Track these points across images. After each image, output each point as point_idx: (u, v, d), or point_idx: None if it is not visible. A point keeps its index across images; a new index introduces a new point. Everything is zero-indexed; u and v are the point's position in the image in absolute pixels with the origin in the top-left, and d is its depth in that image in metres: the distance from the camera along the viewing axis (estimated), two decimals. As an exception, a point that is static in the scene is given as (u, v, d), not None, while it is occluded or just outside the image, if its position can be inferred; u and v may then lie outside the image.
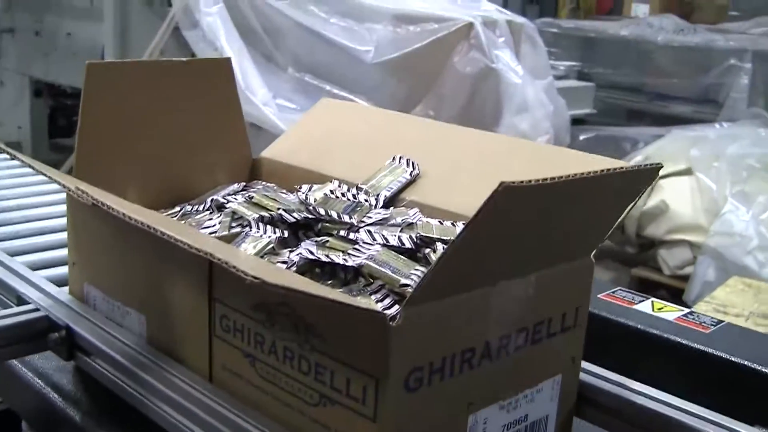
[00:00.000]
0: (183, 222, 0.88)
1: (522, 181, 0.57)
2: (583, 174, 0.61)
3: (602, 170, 0.64)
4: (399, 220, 0.83)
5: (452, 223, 0.83)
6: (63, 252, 1.14)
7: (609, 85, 4.38)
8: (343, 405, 0.65)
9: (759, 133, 3.33)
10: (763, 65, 4.05)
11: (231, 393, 0.74)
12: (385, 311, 0.65)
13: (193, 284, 0.75)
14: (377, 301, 0.70)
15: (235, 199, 0.89)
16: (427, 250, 0.78)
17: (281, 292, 0.53)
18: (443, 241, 0.78)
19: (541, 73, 3.26)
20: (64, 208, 1.33)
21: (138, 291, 0.83)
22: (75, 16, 3.29)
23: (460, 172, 0.92)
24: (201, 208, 0.92)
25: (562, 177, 0.59)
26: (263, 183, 0.99)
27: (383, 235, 0.78)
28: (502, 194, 0.56)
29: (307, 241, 0.79)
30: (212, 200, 0.91)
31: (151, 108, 0.95)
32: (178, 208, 0.94)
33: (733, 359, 0.99)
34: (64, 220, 1.27)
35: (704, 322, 1.09)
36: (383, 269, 0.72)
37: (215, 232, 0.81)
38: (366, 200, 0.87)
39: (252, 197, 0.87)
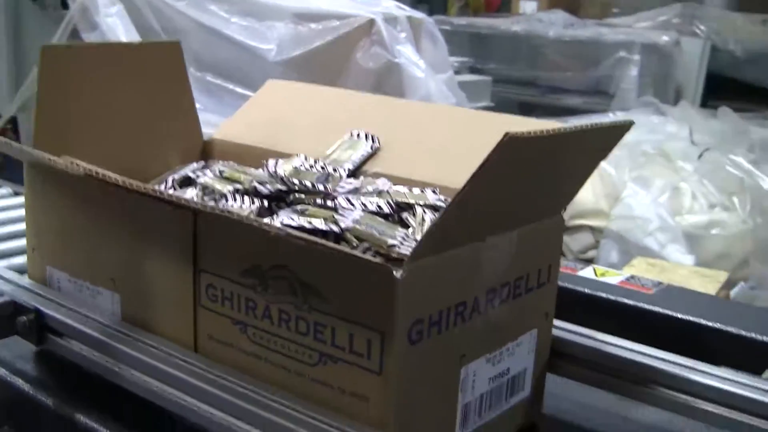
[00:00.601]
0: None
1: (524, 133, 0.58)
2: (575, 128, 0.64)
3: (587, 125, 0.66)
4: (370, 189, 0.84)
5: (421, 190, 0.85)
6: (16, 243, 1.12)
7: (502, 79, 4.46)
8: (345, 361, 0.65)
9: (652, 121, 3.45)
10: (650, 57, 4.20)
11: (219, 361, 0.74)
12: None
13: (175, 256, 0.75)
14: (366, 262, 0.72)
15: (204, 173, 0.89)
16: (404, 214, 0.79)
17: (304, 245, 0.54)
18: (420, 205, 0.79)
19: (442, 68, 3.31)
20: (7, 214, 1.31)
21: (110, 269, 0.82)
22: (-37, 23, 3.18)
23: (419, 143, 0.94)
24: (163, 187, 0.91)
25: (557, 130, 0.62)
26: (221, 162, 0.99)
27: (362, 202, 0.79)
28: (507, 145, 0.58)
29: (285, 210, 0.80)
30: (174, 179, 0.91)
31: (104, 91, 0.94)
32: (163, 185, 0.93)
33: (679, 316, 1.04)
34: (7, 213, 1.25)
35: (645, 285, 1.13)
36: (370, 231, 0.73)
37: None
38: (335, 170, 0.88)
39: (222, 171, 0.87)
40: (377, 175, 0.91)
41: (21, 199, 1.31)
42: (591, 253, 3.19)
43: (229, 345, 0.73)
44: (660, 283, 1.14)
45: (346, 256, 0.58)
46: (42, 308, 0.83)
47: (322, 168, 0.89)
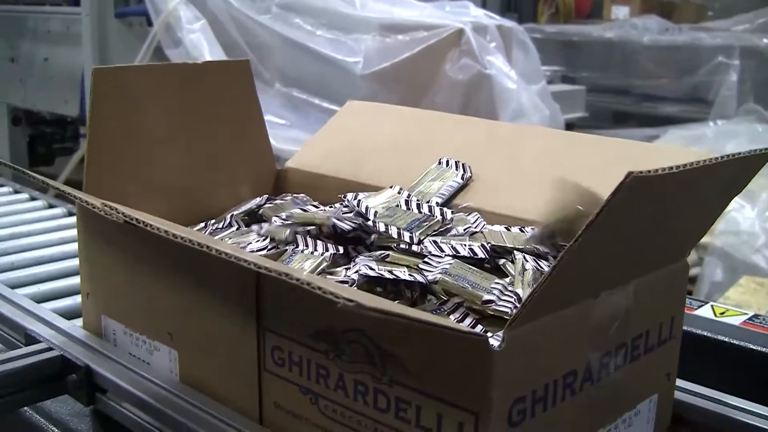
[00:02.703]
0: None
1: (650, 171, 0.47)
2: (705, 161, 0.52)
3: (719, 157, 0.55)
4: (461, 229, 0.74)
5: (520, 229, 0.74)
6: (68, 282, 1.05)
7: (595, 88, 4.31)
8: (433, 446, 0.55)
9: (756, 129, 3.27)
10: (750, 61, 4.00)
11: (288, 435, 0.64)
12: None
13: (237, 311, 0.65)
14: (457, 322, 0.61)
15: (272, 216, 0.79)
16: (502, 261, 0.68)
17: (379, 317, 0.43)
18: (519, 250, 0.68)
19: (534, 78, 3.20)
20: (61, 234, 1.24)
21: (168, 322, 0.72)
22: (51, 41, 3.18)
23: (514, 172, 0.83)
24: (222, 225, 0.82)
25: (686, 165, 0.50)
26: (292, 195, 0.90)
27: (452, 246, 0.68)
28: (629, 186, 0.46)
29: (363, 257, 0.69)
30: (233, 215, 0.82)
31: (166, 116, 0.85)
32: (201, 225, 0.84)
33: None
34: (63, 248, 1.18)
35: (773, 326, 1.00)
36: (461, 284, 0.62)
37: (257, 250, 0.72)
38: (436, 213, 0.76)
39: (290, 216, 0.76)
40: (468, 210, 0.80)
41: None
42: (695, 271, 3.04)
43: (297, 417, 0.63)
44: (789, 324, 1.00)
45: (431, 325, 0.47)
46: (93, 365, 0.74)
47: (417, 206, 0.77)
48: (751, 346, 0.94)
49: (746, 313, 1.05)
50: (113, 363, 0.75)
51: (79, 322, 0.91)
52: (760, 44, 4.10)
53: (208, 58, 2.72)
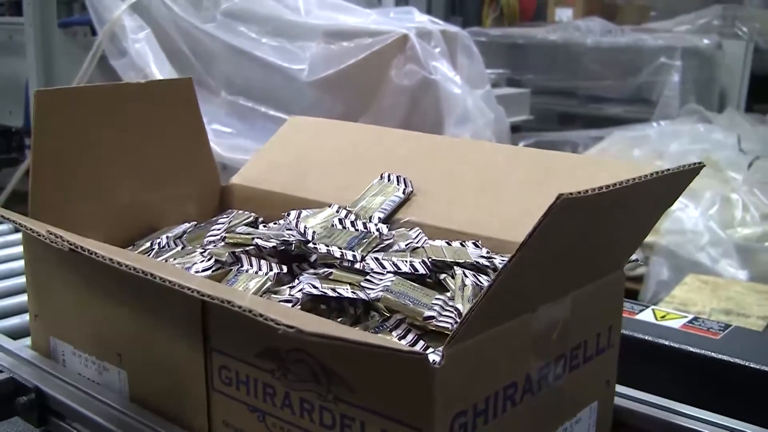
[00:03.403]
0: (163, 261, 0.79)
1: (579, 192, 0.49)
2: (635, 179, 0.54)
3: (651, 174, 0.57)
4: (402, 244, 0.75)
5: (461, 243, 0.76)
6: (15, 300, 1.04)
7: (540, 90, 4.35)
8: (377, 461, 0.56)
9: (698, 129, 3.33)
10: (691, 62, 4.07)
11: (237, 453, 0.65)
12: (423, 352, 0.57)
13: (184, 333, 0.66)
14: (399, 338, 0.62)
15: (214, 235, 0.80)
16: (443, 276, 0.70)
17: (320, 341, 0.45)
18: (459, 265, 0.70)
19: (479, 82, 3.23)
20: (5, 251, 1.23)
21: (117, 343, 0.73)
22: (-7, 52, 3.15)
23: (455, 185, 0.85)
24: (163, 245, 0.83)
25: (615, 184, 0.52)
26: (237, 211, 0.90)
27: (393, 262, 0.69)
28: (560, 208, 0.48)
29: (307, 275, 0.71)
30: (168, 237, 0.83)
31: (111, 136, 0.86)
32: (148, 244, 0.84)
33: (751, 365, 0.93)
34: (10, 265, 1.17)
35: (711, 328, 1.03)
36: (403, 301, 0.64)
37: (202, 270, 0.72)
38: (372, 230, 0.78)
39: (226, 238, 0.77)
40: (410, 224, 0.82)
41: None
42: (641, 270, 3.08)
43: (246, 435, 0.64)
44: (728, 326, 1.03)
45: (371, 347, 0.49)
46: (43, 387, 0.75)
47: (353, 224, 0.79)
48: (691, 349, 0.97)
49: (686, 316, 1.08)
50: (63, 384, 0.75)
51: (27, 341, 0.91)
52: (700, 45, 4.17)
53: (154, 68, 2.71)
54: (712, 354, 0.95)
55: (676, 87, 4.01)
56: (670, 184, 0.62)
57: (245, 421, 0.64)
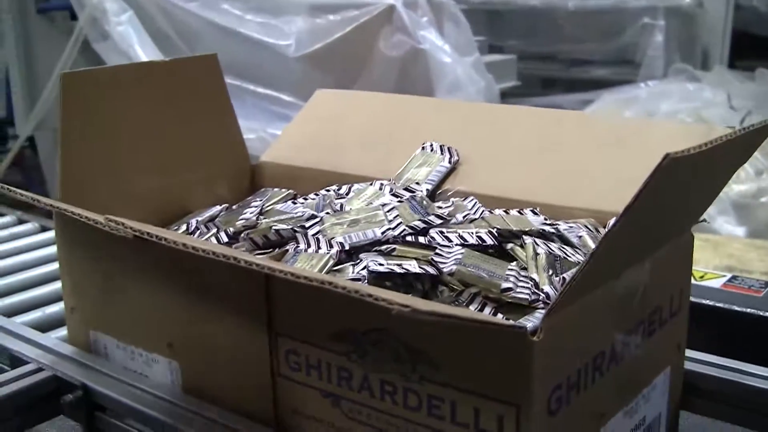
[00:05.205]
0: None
1: (684, 151, 0.46)
2: (727, 136, 0.52)
3: (739, 130, 0.54)
4: (460, 216, 0.72)
5: (519, 211, 0.73)
6: (38, 291, 1.02)
7: (523, 55, 4.31)
8: (471, 442, 0.54)
9: (687, 88, 3.31)
10: (674, 21, 4.05)
11: (309, 441, 0.62)
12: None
13: (245, 317, 0.63)
14: (478, 312, 0.60)
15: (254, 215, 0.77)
16: (509, 246, 0.67)
17: (432, 320, 0.42)
18: (527, 233, 0.67)
19: (467, 50, 3.20)
20: (15, 244, 1.19)
21: (166, 333, 0.70)
22: (-30, 41, 3.08)
23: (502, 152, 0.82)
24: (201, 228, 0.80)
25: (711, 142, 0.50)
26: (273, 189, 0.87)
27: (459, 234, 0.67)
28: (667, 168, 0.45)
29: (369, 253, 0.67)
30: (198, 221, 0.80)
31: (136, 117, 0.82)
32: (184, 227, 0.81)
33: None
34: (25, 257, 1.14)
35: (753, 286, 1.01)
36: (478, 274, 0.61)
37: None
38: (423, 199, 0.75)
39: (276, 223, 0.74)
40: (462, 194, 0.79)
41: (50, 235, 1.21)
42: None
43: (319, 421, 0.61)
44: (767, 284, 1.01)
45: (480, 323, 0.46)
46: (90, 383, 0.71)
47: (412, 198, 0.75)
48: (736, 308, 0.95)
49: (725, 275, 1.06)
50: (111, 379, 0.72)
51: (54, 334, 0.88)
52: (683, 4, 4.15)
53: (139, 50, 2.67)
54: (759, 312, 0.94)
55: (659, 47, 3.99)
56: (748, 142, 0.60)
57: (317, 407, 0.61)
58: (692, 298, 0.97)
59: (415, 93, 2.91)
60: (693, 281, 1.03)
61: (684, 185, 0.54)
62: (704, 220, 0.69)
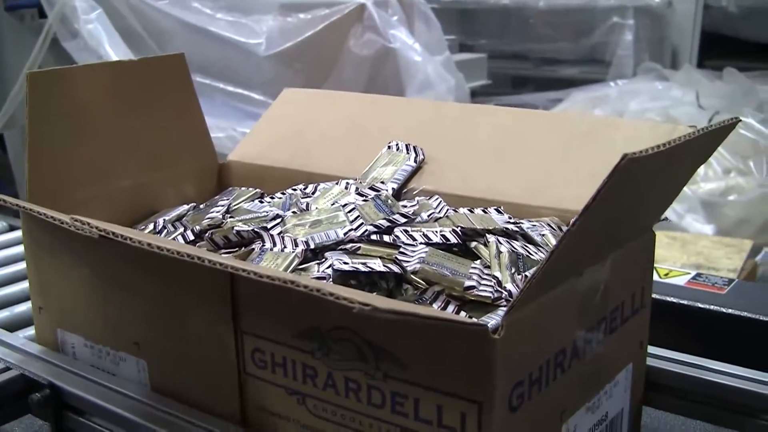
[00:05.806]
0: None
1: (642, 152, 0.47)
2: (686, 137, 0.53)
3: (699, 130, 0.55)
4: (425, 215, 0.73)
5: (483, 210, 0.74)
6: (6, 291, 1.01)
7: (493, 54, 4.33)
8: (434, 438, 0.54)
9: (656, 87, 3.34)
10: (644, 20, 4.08)
11: (274, 438, 0.63)
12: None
13: (210, 316, 0.63)
14: (441, 310, 0.60)
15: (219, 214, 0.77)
16: (473, 244, 0.68)
17: (393, 318, 0.42)
18: (490, 232, 0.68)
19: (438, 49, 3.21)
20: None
21: (134, 332, 0.70)
22: (-64, 40, 3.06)
23: (468, 151, 0.83)
24: (168, 227, 0.80)
25: (670, 142, 0.51)
26: (239, 188, 0.88)
27: (423, 233, 0.67)
28: (625, 168, 0.46)
29: (335, 251, 0.68)
30: (165, 220, 0.80)
31: (104, 117, 0.83)
32: (151, 226, 0.81)
33: (761, 318, 0.93)
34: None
35: (716, 283, 1.02)
36: (441, 272, 0.61)
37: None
38: (387, 198, 0.76)
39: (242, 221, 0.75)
40: (427, 193, 0.80)
41: (17, 234, 1.20)
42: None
43: (284, 418, 0.62)
44: (731, 281, 1.03)
45: (429, 319, 0.47)
46: (57, 382, 0.72)
47: (377, 197, 0.76)
48: (699, 305, 0.96)
49: (689, 273, 1.08)
50: (78, 378, 0.72)
51: (22, 333, 0.88)
52: (652, 4, 4.19)
53: (108, 49, 2.66)
54: (722, 309, 0.95)
55: (629, 46, 4.02)
56: (710, 141, 0.61)
57: (283, 405, 0.61)
58: (656, 296, 0.99)
59: (386, 92, 2.92)
60: (658, 279, 1.05)
61: (643, 185, 0.55)
62: (665, 219, 0.70)
